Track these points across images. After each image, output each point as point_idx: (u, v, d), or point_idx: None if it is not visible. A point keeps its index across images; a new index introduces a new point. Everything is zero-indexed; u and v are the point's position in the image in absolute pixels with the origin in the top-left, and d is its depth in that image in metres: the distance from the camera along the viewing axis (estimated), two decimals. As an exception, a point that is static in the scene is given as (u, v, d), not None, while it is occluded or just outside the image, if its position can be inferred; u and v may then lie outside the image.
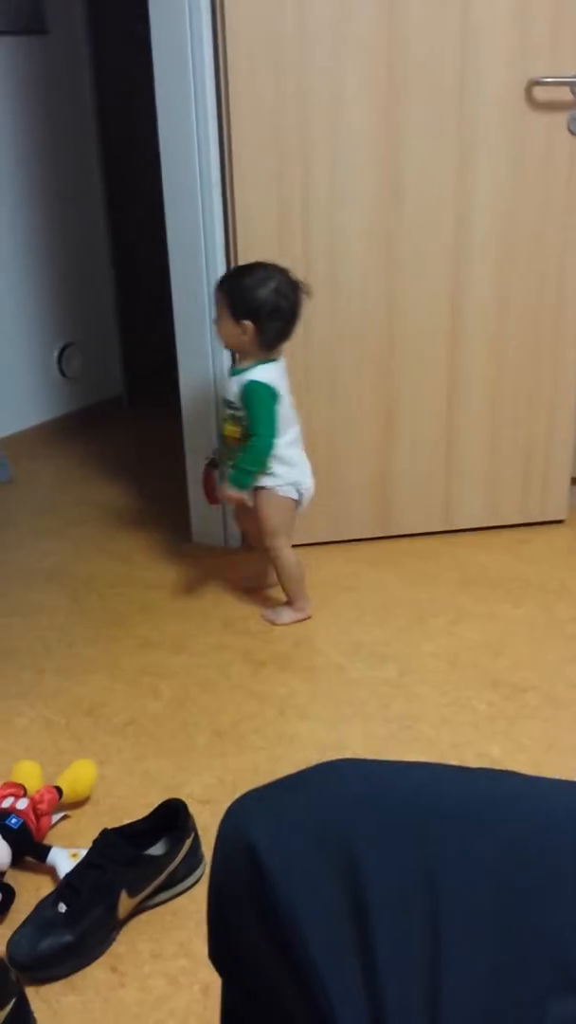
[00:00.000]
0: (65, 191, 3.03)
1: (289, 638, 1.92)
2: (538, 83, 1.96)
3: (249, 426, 1.83)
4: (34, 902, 1.25)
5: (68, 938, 1.19)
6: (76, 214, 3.09)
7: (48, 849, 1.34)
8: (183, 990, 1.16)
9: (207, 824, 1.39)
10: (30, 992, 1.14)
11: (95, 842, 1.27)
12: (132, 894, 1.24)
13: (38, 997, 1.15)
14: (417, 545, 2.27)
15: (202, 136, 1.98)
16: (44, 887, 1.32)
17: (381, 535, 2.30)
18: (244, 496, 1.88)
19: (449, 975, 0.51)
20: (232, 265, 2.05)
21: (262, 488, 1.89)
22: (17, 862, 1.33)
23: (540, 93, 1.98)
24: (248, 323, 1.77)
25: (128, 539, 2.40)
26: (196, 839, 1.34)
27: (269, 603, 2.05)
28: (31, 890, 1.31)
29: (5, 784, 1.42)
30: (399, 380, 2.17)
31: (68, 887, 1.23)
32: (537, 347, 2.18)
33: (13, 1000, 1.08)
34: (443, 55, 1.93)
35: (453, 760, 1.51)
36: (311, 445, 2.19)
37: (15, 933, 1.21)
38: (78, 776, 1.46)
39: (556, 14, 1.93)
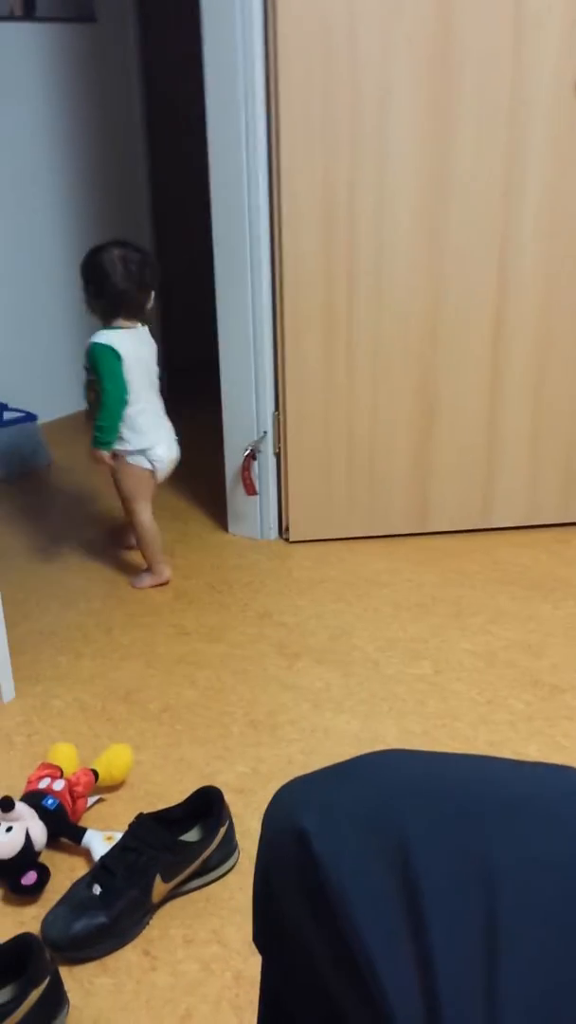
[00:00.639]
0: (109, 179, 3.05)
1: (325, 632, 1.91)
2: (593, 77, 1.93)
3: (99, 389, 1.94)
4: (69, 883, 1.26)
5: (102, 919, 1.19)
6: (120, 202, 3.10)
7: (83, 831, 1.34)
8: (215, 976, 1.16)
9: (240, 813, 1.39)
10: (64, 972, 1.14)
11: (131, 826, 1.27)
12: (166, 879, 1.24)
13: (71, 977, 1.16)
14: (455, 542, 2.26)
15: (250, 125, 1.97)
16: (79, 868, 1.32)
17: (419, 531, 2.28)
18: (106, 456, 2.00)
19: (506, 963, 0.50)
20: (277, 258, 2.05)
21: (116, 454, 2.01)
22: (52, 843, 1.34)
23: (595, 87, 1.95)
24: (89, 287, 1.94)
25: (166, 529, 2.39)
26: (231, 827, 1.34)
27: (134, 570, 2.17)
28: (65, 871, 1.32)
29: (42, 765, 1.44)
30: (441, 375, 2.15)
31: (103, 869, 1.23)
32: (584, 345, 2.15)
33: (47, 979, 1.09)
34: (494, 48, 1.91)
35: (490, 759, 1.50)
36: (351, 439, 2.19)
37: (50, 913, 1.22)
38: (114, 760, 1.46)
39: (614, 7, 1.90)
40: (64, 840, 1.36)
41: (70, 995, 1.13)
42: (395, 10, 1.87)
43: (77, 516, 2.48)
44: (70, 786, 1.39)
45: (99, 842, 1.32)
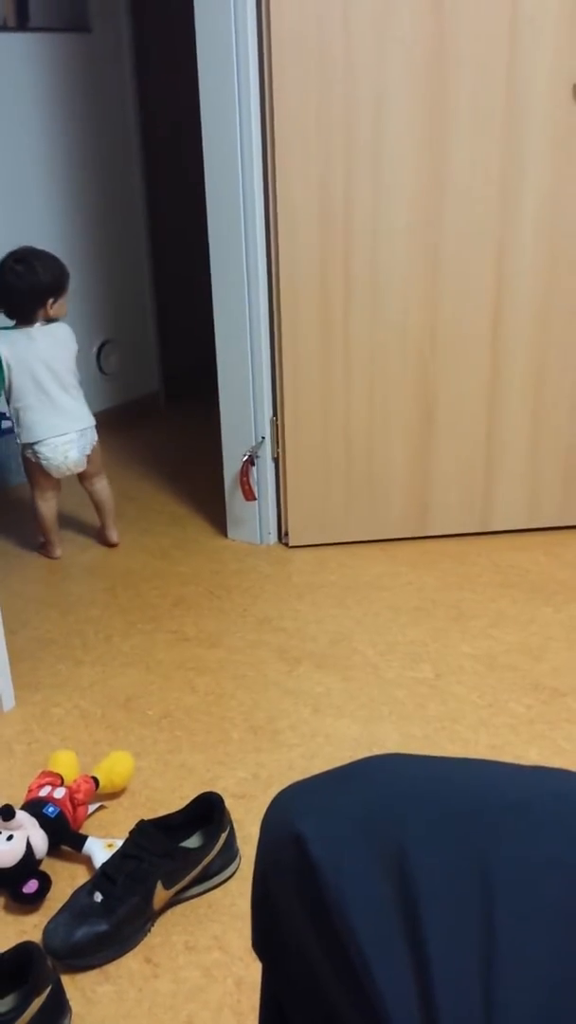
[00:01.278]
0: (105, 188, 3.05)
1: (325, 637, 1.91)
2: (587, 80, 1.94)
3: None
4: (70, 891, 1.26)
5: (103, 927, 1.19)
6: (116, 211, 3.11)
7: (84, 839, 1.34)
8: (217, 983, 1.16)
9: (241, 819, 1.39)
10: (65, 980, 1.14)
11: (131, 833, 1.27)
12: (167, 886, 1.24)
13: (73, 985, 1.15)
14: (455, 546, 2.26)
15: (245, 133, 1.98)
16: (80, 876, 1.32)
17: (418, 535, 2.28)
18: None
19: (504, 968, 0.50)
20: (274, 264, 2.05)
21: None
22: (53, 851, 1.34)
23: (589, 91, 1.95)
24: None
25: (165, 534, 2.40)
26: (232, 833, 1.33)
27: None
28: (67, 879, 1.32)
29: (43, 773, 1.43)
30: (439, 379, 2.16)
31: (104, 877, 1.23)
32: (580, 348, 2.16)
33: (49, 988, 1.08)
34: (489, 51, 1.92)
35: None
36: (350, 444, 2.19)
37: (51, 921, 1.21)
38: (115, 767, 1.46)
39: (607, 10, 1.91)
40: (65, 848, 1.35)
41: (72, 1003, 1.12)
42: (389, 15, 1.88)
43: (74, 524, 2.48)
44: (71, 794, 1.38)
45: (100, 849, 1.32)
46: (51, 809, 1.34)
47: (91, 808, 1.43)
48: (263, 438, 2.22)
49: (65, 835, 1.35)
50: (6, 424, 2.77)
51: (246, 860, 1.33)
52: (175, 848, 1.26)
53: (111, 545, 2.34)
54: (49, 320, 2.14)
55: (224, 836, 1.31)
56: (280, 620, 1.98)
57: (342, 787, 0.62)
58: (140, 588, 2.14)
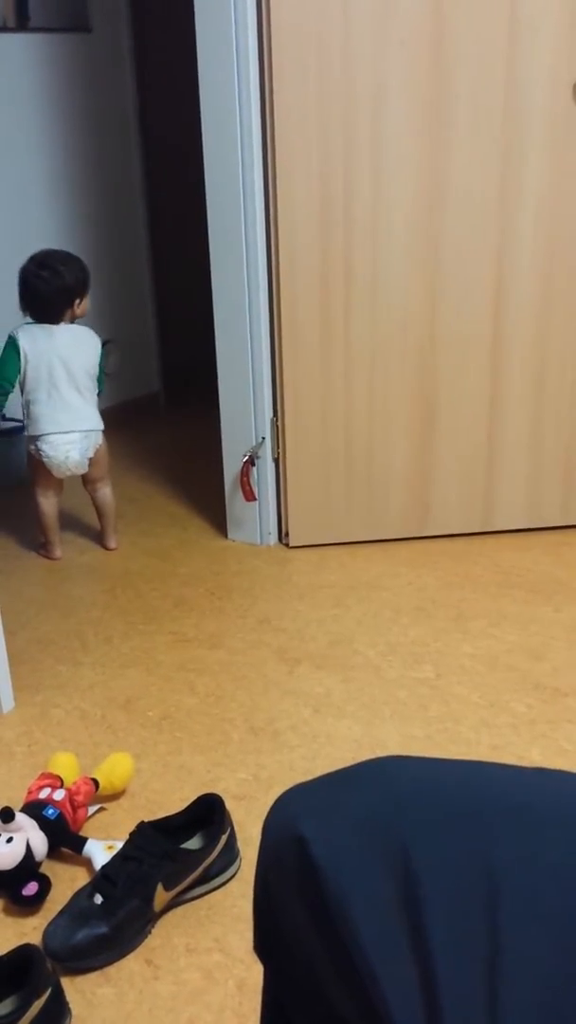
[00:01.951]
0: (106, 188, 3.05)
1: (325, 637, 1.91)
2: (587, 79, 1.94)
3: None
4: (70, 893, 1.25)
5: (103, 930, 1.18)
6: (116, 212, 3.11)
7: (84, 841, 1.34)
8: (218, 985, 1.15)
9: (242, 820, 1.39)
10: (65, 983, 1.13)
11: (132, 835, 1.26)
12: (168, 888, 1.23)
13: (73, 988, 1.15)
14: (455, 546, 2.25)
15: (245, 134, 1.97)
16: (80, 878, 1.31)
17: (419, 535, 2.28)
18: None
19: (508, 970, 0.50)
20: (274, 264, 2.05)
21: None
22: (53, 853, 1.33)
23: (589, 89, 1.95)
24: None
25: (164, 535, 2.40)
26: (232, 835, 1.33)
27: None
28: (67, 881, 1.31)
29: (42, 775, 1.43)
30: (440, 379, 2.15)
31: (104, 879, 1.22)
32: (581, 347, 2.15)
33: (49, 990, 1.08)
34: (489, 53, 1.91)
35: (492, 762, 1.49)
36: (350, 444, 2.18)
37: (51, 923, 1.21)
38: (115, 769, 1.46)
39: (607, 9, 1.90)
40: (65, 850, 1.35)
41: (72, 1005, 1.12)
42: (388, 15, 1.88)
43: (75, 525, 2.48)
44: (70, 796, 1.38)
45: (100, 852, 1.31)
46: (51, 811, 1.34)
47: (91, 810, 1.42)
48: (263, 438, 2.21)
49: (65, 837, 1.34)
50: (4, 425, 2.77)
51: (247, 862, 1.33)
52: (175, 850, 1.26)
53: (109, 549, 2.34)
54: (74, 319, 2.19)
55: (225, 838, 1.30)
56: (280, 621, 1.97)
57: (344, 789, 0.62)
58: (140, 589, 2.13)
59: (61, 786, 1.40)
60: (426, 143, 1.97)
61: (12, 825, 1.29)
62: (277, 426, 2.20)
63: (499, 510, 2.28)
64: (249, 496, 2.23)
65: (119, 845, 1.28)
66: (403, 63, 1.91)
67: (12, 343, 2.14)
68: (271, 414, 2.20)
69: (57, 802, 1.36)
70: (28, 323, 2.16)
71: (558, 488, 2.27)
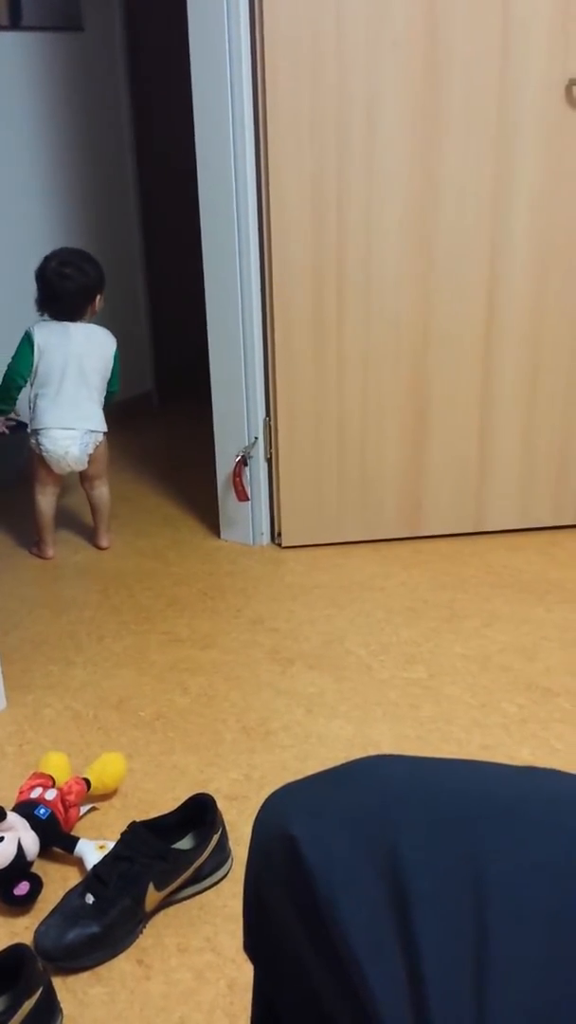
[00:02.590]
0: (99, 187, 3.05)
1: (318, 637, 1.91)
2: (579, 81, 1.94)
3: None
4: (61, 893, 1.25)
5: (95, 929, 1.18)
6: (109, 211, 3.10)
7: (76, 840, 1.34)
8: (209, 985, 1.15)
9: (234, 820, 1.39)
10: (57, 982, 1.14)
11: (123, 834, 1.26)
12: (159, 887, 1.23)
13: (64, 987, 1.15)
14: (448, 546, 2.26)
15: (238, 133, 1.97)
16: (71, 878, 1.31)
17: (411, 535, 2.28)
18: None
19: (496, 971, 0.50)
20: (267, 263, 2.05)
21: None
22: (45, 853, 1.33)
23: (581, 91, 1.96)
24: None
25: (157, 535, 2.40)
26: (224, 835, 1.33)
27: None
28: (58, 881, 1.31)
29: (34, 775, 1.43)
30: (432, 380, 2.16)
31: (96, 878, 1.22)
32: (574, 347, 2.16)
33: (40, 990, 1.08)
34: (482, 53, 1.92)
35: (484, 762, 1.50)
36: (343, 444, 2.19)
37: (42, 923, 1.21)
38: (106, 768, 1.46)
39: (599, 11, 1.91)
40: (56, 850, 1.35)
41: (64, 1005, 1.12)
42: (381, 16, 1.88)
43: (68, 524, 2.47)
44: (62, 795, 1.38)
45: (92, 851, 1.31)
46: (42, 811, 1.34)
47: (83, 810, 1.42)
48: (256, 438, 2.21)
49: (56, 837, 1.34)
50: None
51: (238, 861, 1.33)
52: (167, 849, 1.26)
53: (101, 548, 2.34)
54: (92, 317, 2.22)
55: (216, 837, 1.30)
56: (273, 621, 1.97)
57: (334, 788, 0.62)
58: (133, 589, 2.13)
59: (53, 786, 1.40)
60: (419, 143, 1.97)
61: (3, 825, 1.29)
62: (270, 426, 2.20)
63: (491, 511, 2.28)
64: (242, 496, 2.23)
65: (111, 845, 1.28)
66: (396, 64, 1.91)
67: (28, 339, 2.16)
68: (264, 414, 2.20)
69: (49, 802, 1.36)
70: (44, 320, 2.18)
71: (550, 489, 2.27)
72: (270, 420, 2.20)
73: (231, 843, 1.35)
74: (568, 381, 2.18)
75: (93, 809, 1.44)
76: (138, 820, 1.30)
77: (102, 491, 2.32)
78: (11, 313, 2.22)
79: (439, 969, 0.50)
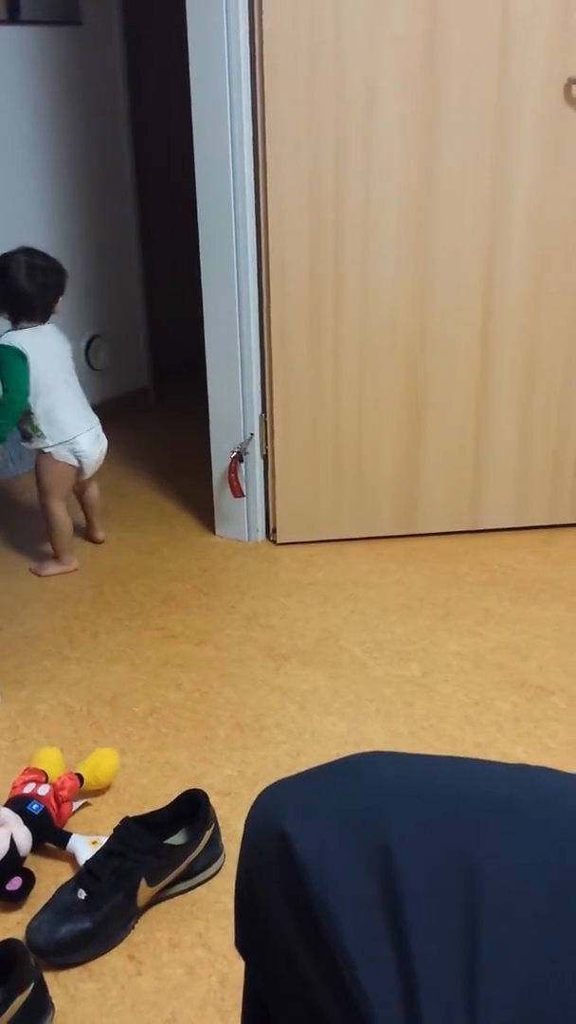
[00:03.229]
0: (96, 183, 3.04)
1: (312, 634, 1.91)
2: (578, 80, 1.94)
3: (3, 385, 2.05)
4: (54, 888, 1.25)
5: (87, 925, 1.18)
6: (106, 206, 3.10)
7: (68, 836, 1.34)
8: (200, 980, 1.16)
9: (226, 816, 1.39)
10: (48, 977, 1.13)
11: (116, 830, 1.26)
12: (152, 883, 1.23)
13: (56, 983, 1.15)
14: (442, 544, 2.26)
15: (236, 130, 1.97)
16: (64, 873, 1.31)
17: (406, 533, 2.28)
18: None
19: (487, 968, 0.50)
20: (264, 261, 2.05)
21: (39, 451, 2.12)
22: (37, 848, 1.33)
23: (579, 90, 1.95)
24: None
25: (152, 531, 2.40)
26: (216, 830, 1.33)
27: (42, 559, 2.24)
28: (51, 876, 1.31)
29: (27, 770, 1.43)
30: (429, 377, 2.16)
31: (88, 874, 1.22)
32: (570, 346, 2.16)
33: (32, 985, 1.08)
34: (481, 51, 1.91)
35: (477, 760, 1.50)
36: (339, 441, 2.18)
37: (34, 918, 1.21)
38: (99, 764, 1.45)
39: (598, 10, 1.91)
40: (49, 845, 1.35)
41: (55, 1000, 1.12)
42: (380, 13, 1.87)
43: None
44: (55, 791, 1.38)
45: (84, 847, 1.31)
46: (35, 806, 1.34)
47: (75, 805, 1.42)
48: (252, 435, 2.21)
49: (49, 832, 1.34)
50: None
51: (231, 857, 1.33)
52: (160, 845, 1.26)
53: (98, 542, 2.33)
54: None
55: (209, 833, 1.31)
56: (267, 617, 1.97)
57: (327, 785, 0.62)
58: (127, 585, 2.13)
59: (46, 781, 1.40)
60: (417, 142, 1.97)
61: (-4, 820, 1.28)
62: (266, 422, 2.20)
63: (486, 509, 2.28)
64: (237, 492, 2.23)
65: (103, 840, 1.28)
66: (395, 61, 1.91)
67: (15, 353, 2.01)
68: (260, 410, 2.20)
69: (41, 797, 1.35)
70: (10, 330, 2.05)
71: (545, 487, 2.27)
72: (266, 416, 2.20)
73: (224, 839, 1.35)
74: (564, 380, 2.19)
75: (86, 804, 1.44)
76: (131, 816, 1.30)
77: (95, 486, 2.31)
78: None
79: (430, 966, 0.51)
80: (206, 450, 2.28)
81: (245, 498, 2.25)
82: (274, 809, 0.61)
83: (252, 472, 2.24)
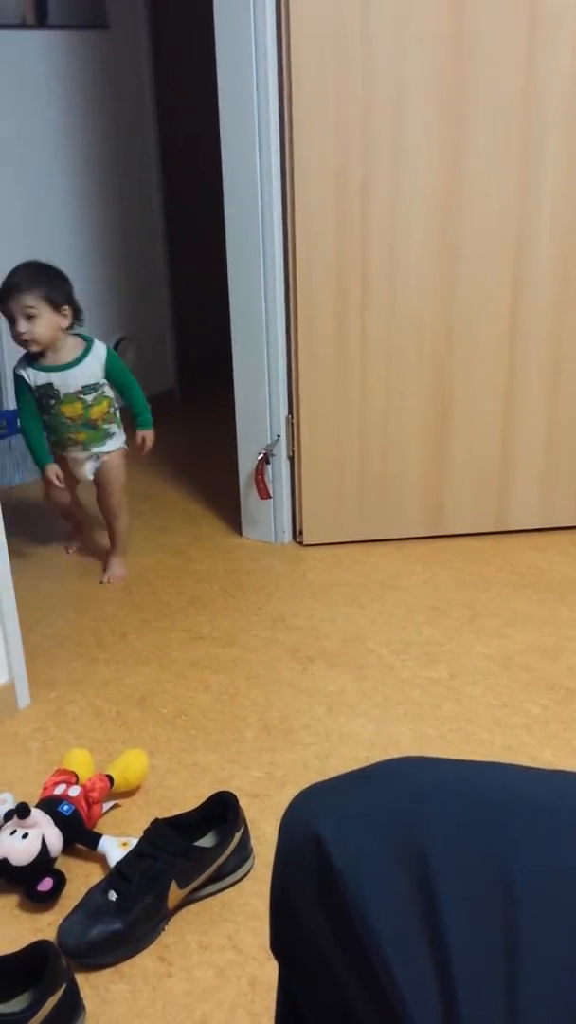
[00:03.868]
0: (123, 185, 3.05)
1: (339, 635, 1.91)
2: (606, 77, 1.92)
3: (123, 385, 2.09)
4: (84, 889, 1.26)
5: (118, 926, 1.19)
6: (133, 208, 3.11)
7: (99, 837, 1.34)
8: (230, 983, 1.16)
9: (255, 818, 1.39)
10: (79, 979, 1.14)
11: (146, 832, 1.27)
12: (182, 885, 1.24)
13: (87, 984, 1.16)
14: (469, 545, 2.25)
15: (263, 130, 1.97)
16: (94, 875, 1.32)
17: (433, 534, 2.28)
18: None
19: (526, 972, 0.50)
20: (291, 261, 2.05)
21: (117, 448, 2.15)
22: (68, 849, 1.34)
23: (608, 87, 1.94)
24: (67, 308, 1.98)
25: (179, 532, 2.40)
26: (246, 832, 1.33)
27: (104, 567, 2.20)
28: (81, 877, 1.32)
29: (57, 771, 1.44)
30: (455, 377, 2.15)
31: (119, 875, 1.23)
32: (598, 346, 2.14)
33: (64, 986, 1.09)
34: (509, 48, 1.90)
35: (506, 763, 1.49)
36: (365, 442, 2.18)
37: (66, 919, 1.22)
38: (129, 765, 1.46)
39: (627, 6, 1.89)
40: (80, 846, 1.36)
41: (86, 1002, 1.13)
42: (408, 11, 1.87)
43: (91, 522, 2.48)
44: (85, 792, 1.39)
45: (114, 848, 1.32)
46: (66, 807, 1.35)
47: (105, 806, 1.43)
48: (278, 436, 2.21)
49: (80, 833, 1.35)
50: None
51: (260, 860, 1.33)
52: (190, 847, 1.27)
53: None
54: None
55: (238, 836, 1.31)
56: (294, 619, 1.98)
57: (362, 789, 0.62)
58: (155, 586, 2.14)
59: (76, 782, 1.41)
60: (444, 140, 1.96)
61: (28, 821, 1.29)
62: (292, 424, 2.20)
63: (514, 510, 2.27)
64: (264, 494, 2.23)
65: (133, 842, 1.29)
66: (422, 59, 1.90)
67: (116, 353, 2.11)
68: (286, 412, 2.20)
69: (72, 798, 1.36)
70: (86, 337, 2.06)
71: (573, 488, 2.26)
72: (292, 418, 2.20)
73: (253, 841, 1.35)
74: (593, 380, 2.17)
75: (115, 806, 1.45)
76: (160, 817, 1.30)
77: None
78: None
79: (469, 970, 0.50)
80: (232, 451, 2.29)
81: (272, 500, 2.26)
82: (308, 813, 0.61)
83: (278, 473, 2.25)
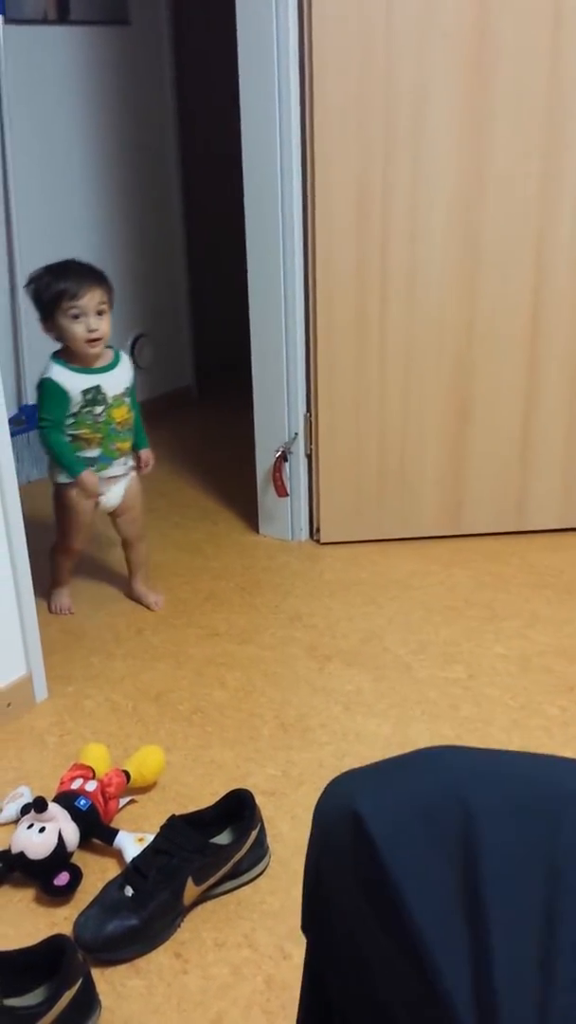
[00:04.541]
0: (142, 181, 3.05)
1: (356, 635, 1.90)
2: (632, 74, 1.90)
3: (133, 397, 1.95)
4: (100, 884, 1.26)
5: (134, 922, 1.19)
6: (152, 205, 3.11)
7: (115, 832, 1.34)
8: (246, 980, 1.16)
9: (271, 816, 1.39)
10: (95, 974, 1.14)
11: (163, 828, 1.27)
12: (198, 882, 1.24)
13: (103, 979, 1.16)
14: (488, 545, 2.23)
15: (284, 127, 1.96)
16: (110, 870, 1.32)
17: (451, 534, 2.26)
18: None
19: (564, 955, 0.50)
20: (310, 258, 2.04)
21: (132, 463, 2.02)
22: (85, 844, 1.34)
23: None
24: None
25: (196, 529, 2.40)
26: (262, 830, 1.33)
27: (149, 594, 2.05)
28: (97, 872, 1.32)
29: (74, 766, 1.44)
30: (475, 375, 2.13)
31: (135, 871, 1.23)
32: (620, 346, 2.12)
33: (80, 981, 1.09)
34: (532, 46, 1.89)
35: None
36: (383, 440, 2.17)
37: (82, 914, 1.22)
38: (145, 761, 1.46)
39: None
40: (96, 841, 1.36)
41: (102, 997, 1.13)
42: (432, 6, 1.86)
43: (107, 519, 2.48)
44: (102, 787, 1.39)
45: (131, 844, 1.32)
46: (83, 802, 1.35)
47: (122, 802, 1.43)
48: (296, 434, 2.21)
49: (96, 828, 1.35)
50: None
51: (276, 858, 1.33)
52: (206, 844, 1.26)
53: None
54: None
55: (255, 833, 1.30)
56: (311, 617, 1.97)
57: (401, 772, 0.62)
58: (171, 582, 2.14)
59: (93, 777, 1.41)
60: (466, 138, 1.95)
61: (45, 815, 1.30)
62: (310, 422, 2.19)
63: (533, 509, 2.25)
64: (281, 492, 2.22)
65: (149, 838, 1.29)
66: (445, 56, 1.89)
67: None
68: (304, 410, 2.19)
69: (89, 793, 1.36)
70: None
71: (594, 488, 2.24)
72: (311, 416, 2.19)
73: (269, 839, 1.34)
74: (615, 380, 2.15)
75: (132, 802, 1.45)
76: (177, 814, 1.30)
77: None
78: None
79: (507, 948, 0.51)
80: (249, 448, 2.28)
81: (289, 497, 2.25)
82: (347, 792, 0.61)
83: (296, 471, 2.24)
